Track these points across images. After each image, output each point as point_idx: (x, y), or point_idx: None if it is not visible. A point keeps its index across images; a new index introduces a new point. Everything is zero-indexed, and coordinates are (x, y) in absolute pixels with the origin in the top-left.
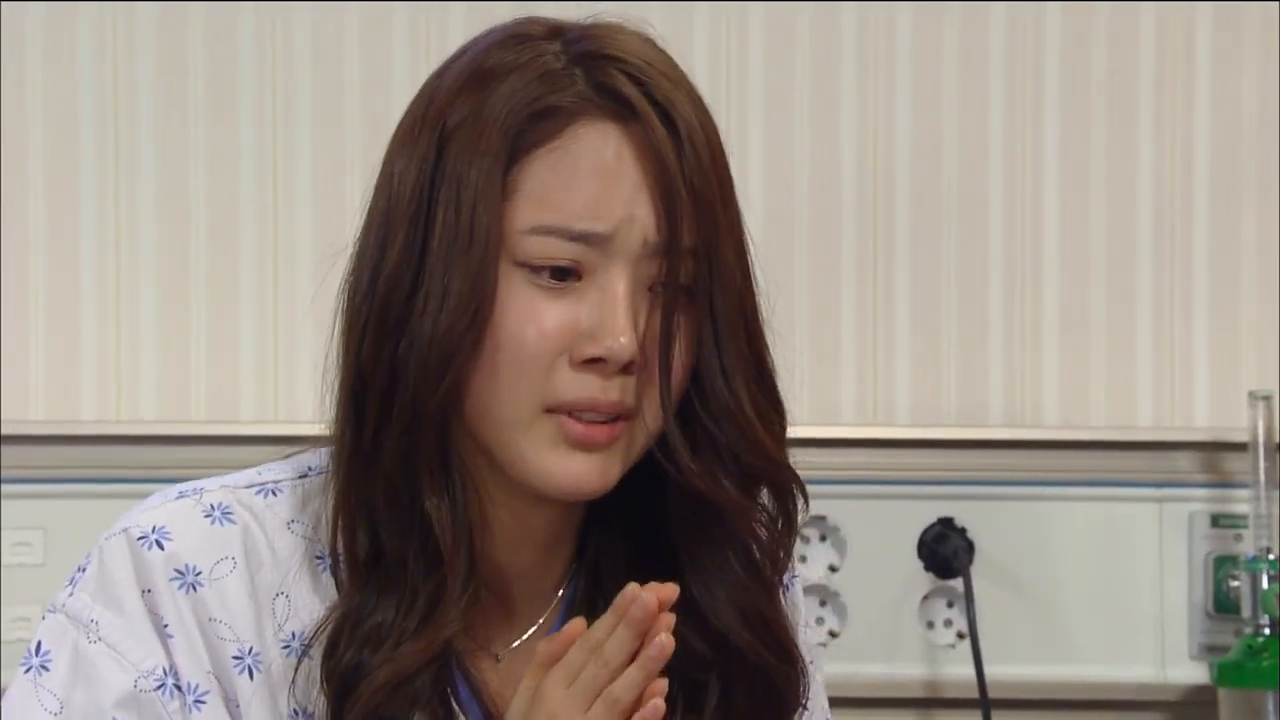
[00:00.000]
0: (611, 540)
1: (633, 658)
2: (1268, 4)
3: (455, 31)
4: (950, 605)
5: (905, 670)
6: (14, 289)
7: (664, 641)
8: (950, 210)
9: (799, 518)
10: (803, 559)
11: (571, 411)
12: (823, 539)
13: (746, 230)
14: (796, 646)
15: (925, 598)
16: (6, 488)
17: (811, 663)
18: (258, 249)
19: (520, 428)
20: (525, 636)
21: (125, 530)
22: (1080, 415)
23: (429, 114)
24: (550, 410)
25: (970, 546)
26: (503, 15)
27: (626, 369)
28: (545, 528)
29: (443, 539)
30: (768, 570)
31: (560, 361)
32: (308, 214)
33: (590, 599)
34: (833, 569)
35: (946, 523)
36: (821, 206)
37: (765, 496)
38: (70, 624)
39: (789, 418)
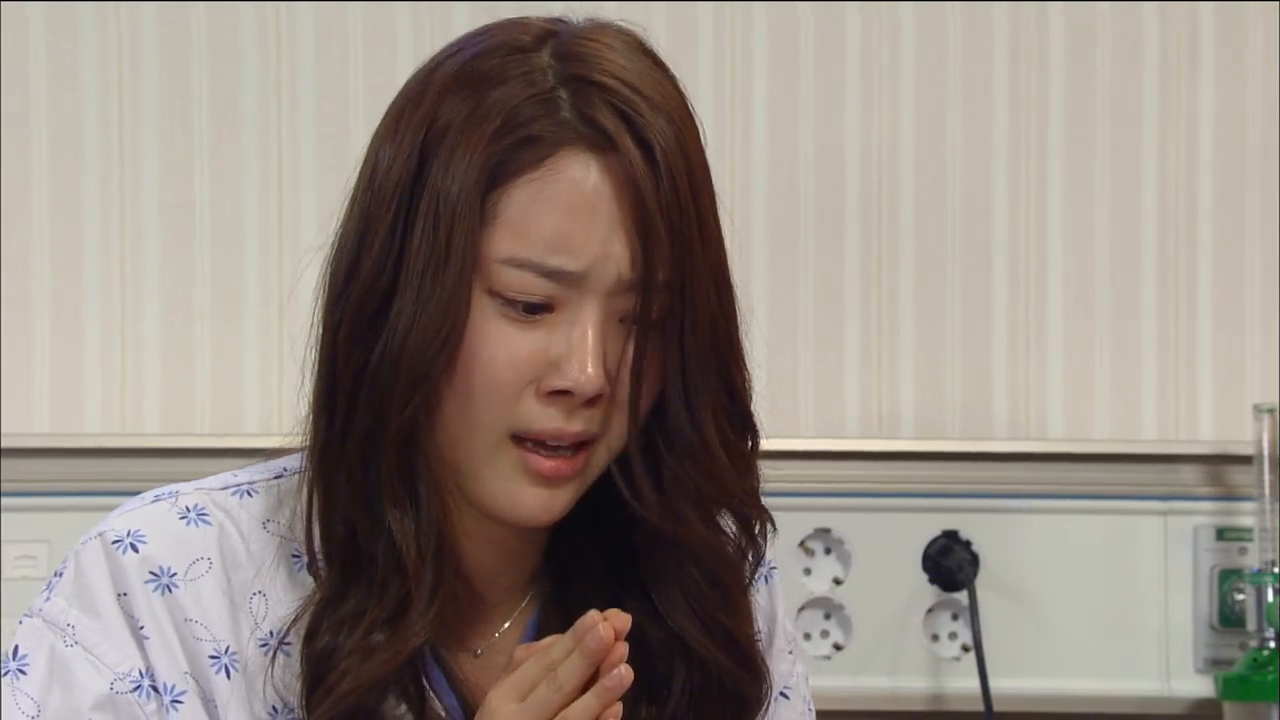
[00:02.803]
0: (580, 539)
1: (586, 684)
2: (1268, 3)
3: None
4: (955, 618)
5: (910, 683)
6: (18, 300)
7: (622, 674)
8: (955, 223)
9: (765, 545)
10: (807, 572)
11: (535, 440)
12: (827, 552)
13: (726, 254)
14: (760, 656)
15: (930, 610)
16: (10, 500)
17: (791, 653)
18: (261, 261)
19: (484, 453)
20: (501, 630)
21: (100, 534)
22: (1085, 428)
23: (417, 110)
24: (515, 437)
25: (975, 559)
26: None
27: (592, 402)
28: (514, 536)
29: (407, 553)
30: (728, 581)
31: (528, 391)
32: (312, 226)
33: (560, 592)
34: (837, 582)
35: (951, 535)
36: (825, 220)
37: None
38: (47, 628)
39: (761, 436)
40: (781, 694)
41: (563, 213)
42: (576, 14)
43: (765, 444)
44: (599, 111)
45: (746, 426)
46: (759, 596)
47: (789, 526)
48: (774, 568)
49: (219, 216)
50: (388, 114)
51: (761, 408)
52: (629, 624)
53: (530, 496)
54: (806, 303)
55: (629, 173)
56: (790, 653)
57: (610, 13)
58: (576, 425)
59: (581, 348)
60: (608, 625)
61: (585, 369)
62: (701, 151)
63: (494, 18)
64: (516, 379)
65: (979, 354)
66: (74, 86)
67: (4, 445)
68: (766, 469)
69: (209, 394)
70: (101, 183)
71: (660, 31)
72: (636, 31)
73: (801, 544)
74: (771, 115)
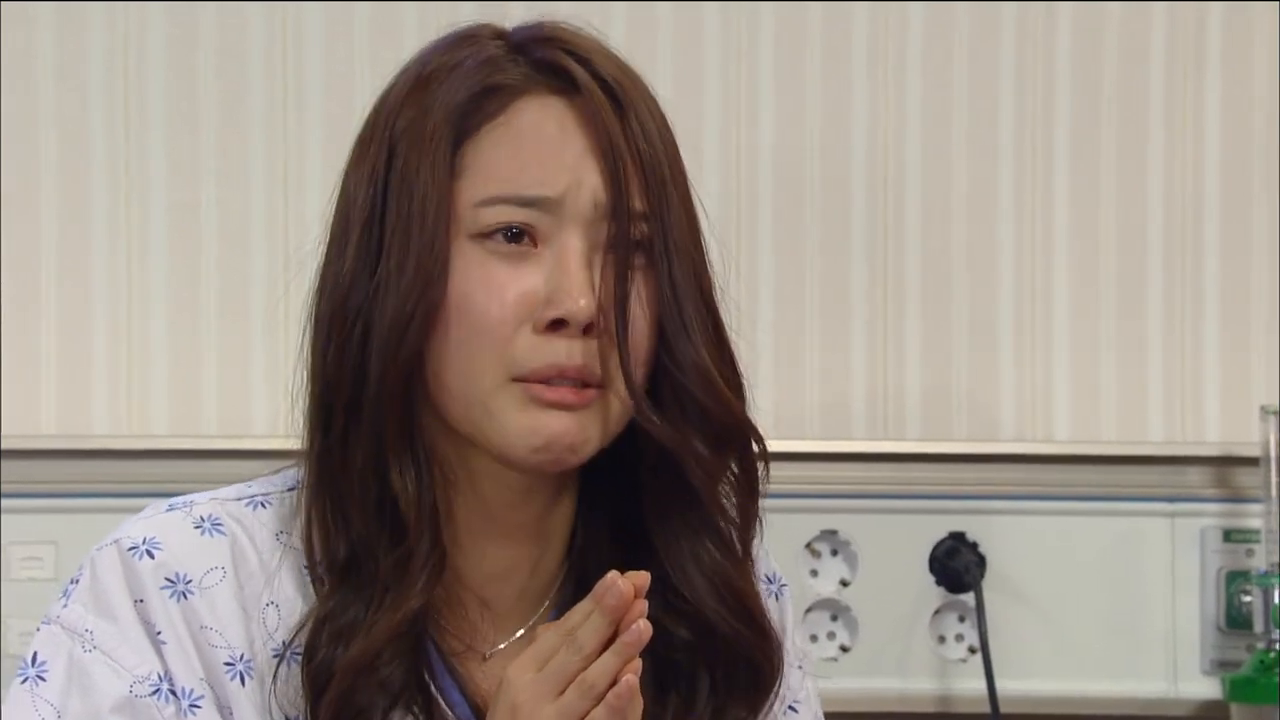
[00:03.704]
0: (598, 544)
1: (606, 645)
2: (1273, 4)
3: None
4: (962, 620)
5: (917, 685)
6: (25, 302)
7: (641, 628)
8: (960, 224)
9: (762, 484)
10: (814, 574)
11: (537, 379)
12: (834, 553)
13: (700, 209)
14: (768, 620)
15: (937, 612)
16: (17, 502)
17: (800, 667)
18: (268, 262)
19: (487, 399)
20: (514, 638)
21: (116, 541)
22: (1091, 430)
23: (377, 127)
24: (515, 380)
25: (982, 561)
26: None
27: (588, 331)
28: (517, 516)
29: (406, 512)
30: (737, 544)
31: (523, 330)
32: (319, 227)
33: (578, 601)
34: (844, 583)
35: (958, 537)
36: (831, 221)
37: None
38: (65, 634)
39: (746, 384)
40: (791, 707)
41: (531, 147)
42: (585, 13)
43: (772, 445)
44: (560, 59)
45: (733, 361)
46: (770, 611)
47: (795, 528)
48: (785, 585)
49: (226, 217)
50: (353, 147)
51: (767, 409)
52: (648, 581)
53: (547, 421)
54: (812, 303)
55: (594, 108)
56: (800, 667)
57: (617, 16)
58: (576, 359)
59: (569, 277)
60: (626, 581)
61: (576, 297)
62: (666, 121)
63: (503, 17)
64: (510, 318)
65: (985, 355)
66: (80, 87)
67: (11, 446)
68: (772, 470)
69: (216, 395)
70: (108, 183)
71: (667, 27)
72: (594, 33)
73: (808, 546)
74: (777, 115)
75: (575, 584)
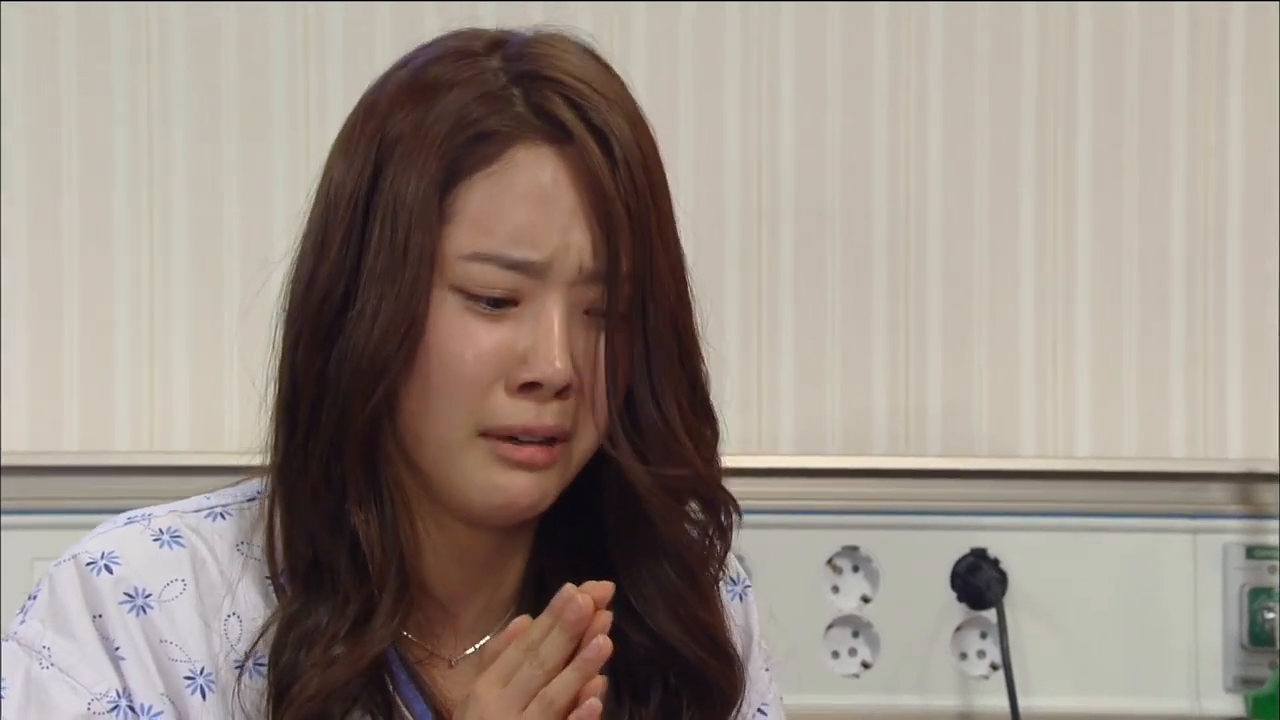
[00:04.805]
0: (557, 559)
1: (569, 659)
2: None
3: None
4: (983, 636)
5: (938, 702)
6: (48, 319)
7: (601, 644)
8: (982, 239)
9: (731, 531)
10: (835, 590)
11: (506, 436)
12: (855, 570)
13: (681, 245)
14: (733, 646)
15: (958, 629)
16: (42, 518)
17: (768, 670)
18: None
19: (454, 450)
20: (478, 645)
21: (74, 557)
22: (1113, 446)
23: (369, 124)
24: (484, 434)
25: (1003, 577)
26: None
27: (561, 394)
28: (480, 548)
29: (371, 556)
30: (701, 575)
31: (496, 387)
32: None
33: (541, 611)
34: (865, 600)
35: (979, 554)
36: (852, 238)
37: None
38: (22, 651)
39: (721, 431)
40: (760, 710)
41: (522, 204)
42: (606, 18)
43: (794, 461)
44: (553, 104)
45: (708, 415)
46: (735, 614)
47: (817, 544)
48: (748, 586)
49: (248, 233)
50: (342, 130)
51: (789, 424)
52: (610, 592)
53: (510, 481)
54: (833, 319)
55: (586, 162)
56: (767, 669)
57: (638, 19)
58: (548, 420)
59: (548, 339)
60: (586, 596)
61: (553, 360)
62: (656, 151)
63: (522, 16)
64: (484, 374)
65: (1006, 371)
66: (105, 103)
67: (34, 463)
68: (794, 486)
69: (237, 412)
70: (130, 199)
71: (687, 42)
72: (587, 39)
73: (829, 562)
74: (798, 133)
75: (536, 593)
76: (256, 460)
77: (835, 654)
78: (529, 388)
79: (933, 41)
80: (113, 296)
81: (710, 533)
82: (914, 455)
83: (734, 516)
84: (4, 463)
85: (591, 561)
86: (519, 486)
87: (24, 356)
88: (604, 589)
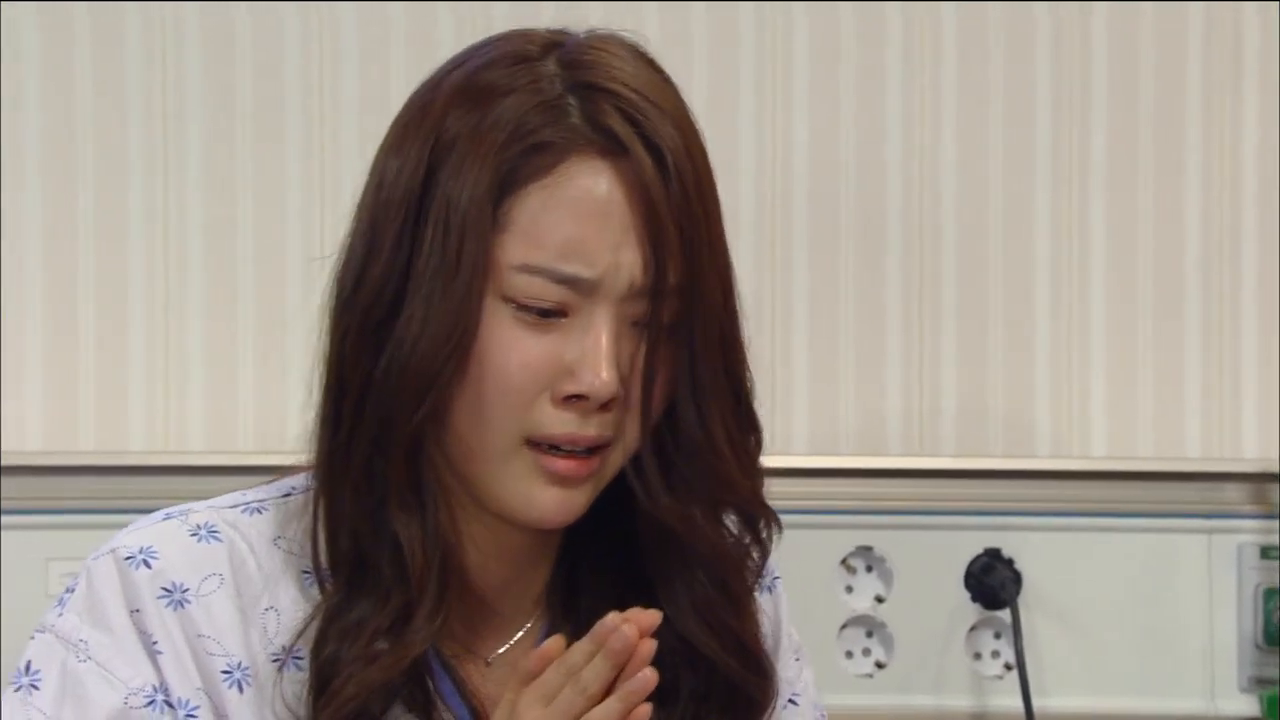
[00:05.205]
0: (589, 548)
1: (611, 686)
2: None
3: None
4: (998, 636)
5: (952, 702)
6: (63, 319)
7: (647, 676)
8: (997, 238)
9: (771, 544)
10: (849, 590)
11: (549, 446)
12: (869, 570)
13: (730, 257)
14: (766, 657)
15: (972, 629)
16: (58, 518)
17: (798, 659)
18: (304, 279)
19: (498, 458)
20: (513, 641)
21: (113, 550)
22: (1128, 446)
23: (424, 122)
24: (529, 442)
25: (1017, 577)
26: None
27: (606, 406)
28: (522, 545)
29: (412, 560)
30: (735, 584)
31: (542, 396)
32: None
33: (571, 602)
34: (879, 600)
35: (993, 554)
36: (866, 235)
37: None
38: (59, 643)
39: (764, 442)
40: (790, 700)
41: (576, 219)
42: (618, 18)
43: (807, 461)
44: (608, 117)
45: (751, 427)
46: (765, 606)
47: (830, 544)
48: (777, 578)
49: (262, 234)
50: (392, 128)
51: (802, 425)
52: (657, 621)
53: (547, 497)
54: (847, 318)
55: (640, 177)
56: (797, 659)
57: (650, 19)
58: (591, 430)
59: (595, 353)
60: (631, 626)
61: (600, 374)
62: (706, 158)
63: (535, 17)
64: (530, 384)
65: (1021, 370)
66: (119, 103)
67: (50, 463)
68: (808, 486)
69: (252, 412)
70: (145, 200)
71: (701, 42)
72: (639, 42)
73: (843, 562)
74: (811, 132)
75: (565, 585)
76: (271, 460)
77: (849, 654)
78: (574, 399)
79: (946, 41)
80: (127, 296)
81: (747, 543)
82: (928, 455)
83: (773, 529)
84: (19, 462)
85: (621, 560)
86: (553, 503)
87: (39, 356)
88: (651, 618)
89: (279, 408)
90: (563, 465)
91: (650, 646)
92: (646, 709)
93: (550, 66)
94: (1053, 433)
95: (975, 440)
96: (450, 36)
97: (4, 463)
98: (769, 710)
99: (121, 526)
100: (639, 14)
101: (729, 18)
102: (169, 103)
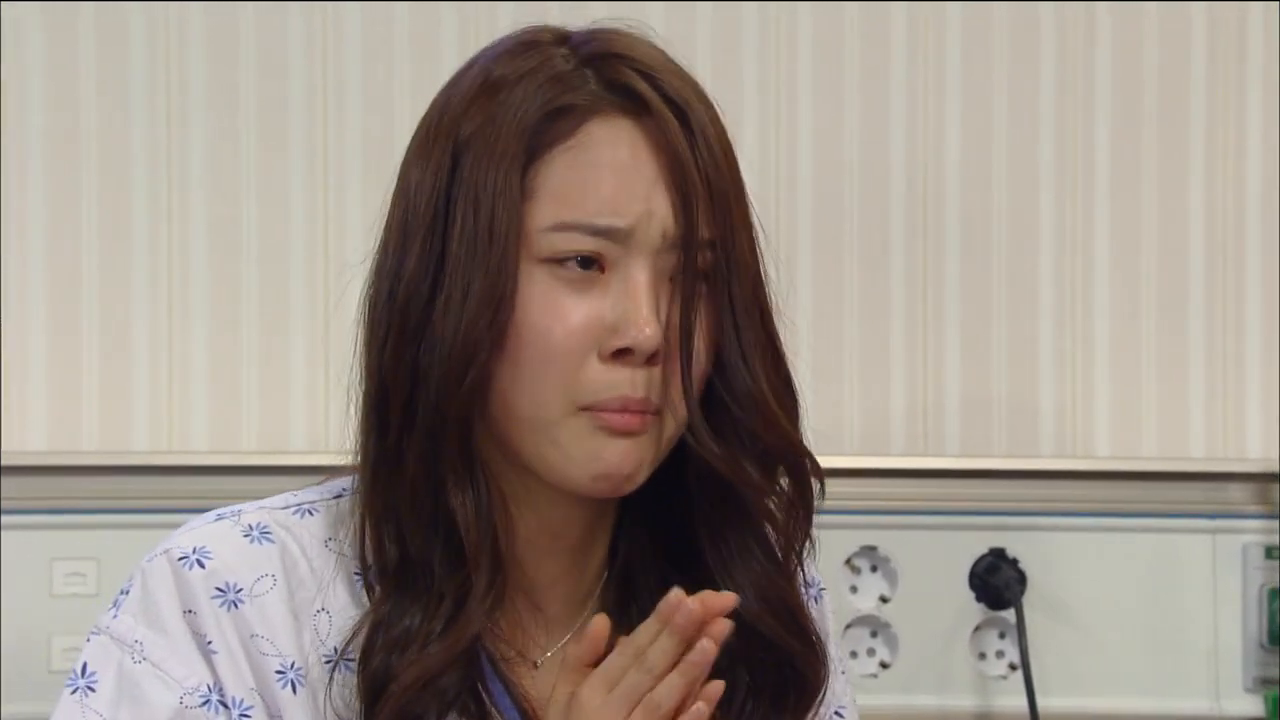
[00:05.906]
0: (640, 546)
1: (676, 664)
2: None
3: None
4: (1002, 636)
5: (957, 702)
6: (66, 319)
7: (706, 647)
8: (1000, 239)
9: (816, 501)
10: (854, 590)
11: (604, 410)
12: (874, 570)
13: (757, 223)
14: (816, 633)
15: (977, 629)
16: (60, 518)
17: (844, 673)
18: (308, 277)
19: (550, 425)
20: (561, 643)
21: (166, 551)
22: (1132, 446)
23: (443, 125)
24: (583, 409)
25: (1022, 577)
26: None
27: (651, 359)
28: (571, 531)
29: (467, 536)
30: (787, 557)
31: (590, 358)
32: (358, 242)
33: (623, 603)
34: (884, 600)
35: (998, 554)
36: (870, 236)
37: (783, 482)
38: (115, 645)
39: (802, 403)
40: (837, 713)
41: (603, 175)
42: (623, 18)
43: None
44: (628, 78)
45: (791, 388)
46: (812, 614)
47: (835, 544)
48: (824, 589)
49: (266, 234)
50: (414, 138)
51: (807, 424)
52: (732, 603)
53: (611, 449)
54: (851, 318)
55: (664, 132)
56: (843, 672)
57: (655, 19)
58: (639, 391)
59: (636, 305)
60: (695, 601)
61: (643, 326)
62: (723, 126)
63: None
64: (576, 346)
65: (1025, 370)
66: (122, 104)
67: (54, 463)
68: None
69: (256, 412)
70: (149, 201)
71: (705, 42)
72: (650, 35)
73: (847, 562)
74: (816, 130)
75: (618, 586)
76: (274, 460)
77: (854, 654)
78: (621, 354)
79: (950, 41)
80: (131, 297)
81: (796, 508)
82: (932, 455)
83: (818, 486)
84: (22, 462)
85: (671, 551)
86: (619, 454)
87: (43, 356)
88: (725, 600)
89: (282, 408)
90: (620, 420)
91: (724, 626)
92: (719, 685)
93: (562, 49)
94: (1057, 433)
95: (980, 440)
96: (454, 37)
97: (7, 463)
98: (820, 695)
99: (125, 527)
100: (643, 13)
101: (733, 17)
102: (172, 103)
